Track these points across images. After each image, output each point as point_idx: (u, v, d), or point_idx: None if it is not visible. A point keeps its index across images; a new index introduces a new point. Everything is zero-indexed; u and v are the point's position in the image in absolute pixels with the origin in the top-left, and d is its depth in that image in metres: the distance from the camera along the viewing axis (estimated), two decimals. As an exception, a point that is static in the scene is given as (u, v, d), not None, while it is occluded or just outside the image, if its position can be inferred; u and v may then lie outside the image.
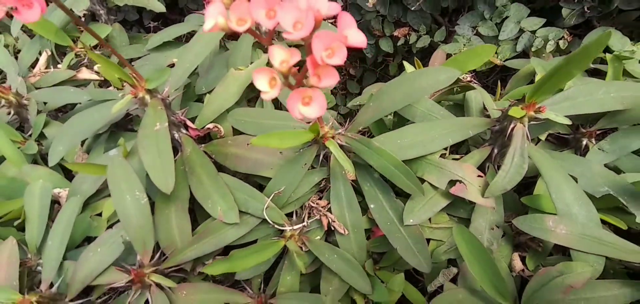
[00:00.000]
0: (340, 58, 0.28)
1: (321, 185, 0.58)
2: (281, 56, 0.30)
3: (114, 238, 0.50)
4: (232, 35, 0.71)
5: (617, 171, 0.55)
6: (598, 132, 0.59)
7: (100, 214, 0.59)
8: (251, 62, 0.74)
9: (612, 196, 0.51)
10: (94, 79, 0.83)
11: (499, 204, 0.55)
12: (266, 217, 0.51)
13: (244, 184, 0.55)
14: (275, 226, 0.52)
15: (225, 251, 0.56)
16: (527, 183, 0.59)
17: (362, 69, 1.26)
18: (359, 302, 0.51)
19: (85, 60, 0.85)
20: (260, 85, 0.30)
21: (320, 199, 0.57)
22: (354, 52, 1.11)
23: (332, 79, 0.30)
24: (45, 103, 0.74)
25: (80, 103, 0.77)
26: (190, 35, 0.92)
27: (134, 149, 0.57)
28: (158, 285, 0.49)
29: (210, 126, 0.66)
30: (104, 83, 0.84)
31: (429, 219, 0.56)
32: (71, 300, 0.49)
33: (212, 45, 0.68)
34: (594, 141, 0.59)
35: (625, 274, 0.49)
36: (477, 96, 0.65)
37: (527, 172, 0.50)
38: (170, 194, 0.54)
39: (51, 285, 0.49)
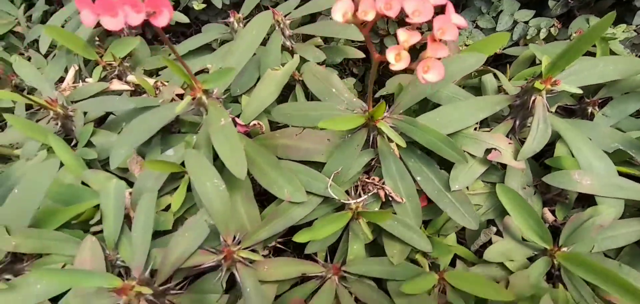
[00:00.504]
0: (451, 35, 0.35)
1: (371, 165, 0.64)
2: (404, 37, 0.36)
3: (198, 223, 0.54)
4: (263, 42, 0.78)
5: (620, 131, 0.64)
6: (600, 100, 0.69)
7: (165, 209, 0.62)
8: (283, 64, 0.79)
9: (621, 151, 0.61)
10: (126, 90, 0.86)
11: (527, 168, 0.63)
12: (330, 194, 0.57)
13: (305, 167, 0.60)
14: (340, 201, 0.57)
15: (289, 232, 0.62)
16: (542, 151, 0.67)
17: (364, 68, 1.33)
18: (421, 260, 0.57)
19: (116, 72, 0.87)
20: (390, 58, 0.37)
21: (368, 177, 0.63)
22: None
23: (444, 51, 0.36)
24: (85, 113, 0.76)
25: (114, 114, 0.80)
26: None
27: (197, 145, 0.61)
28: (243, 262, 0.53)
29: (254, 122, 0.71)
30: (134, 93, 0.87)
31: (467, 187, 0.63)
32: (160, 285, 0.52)
33: (253, 49, 0.73)
34: (597, 109, 0.69)
35: (636, 212, 0.58)
36: (492, 79, 0.74)
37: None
38: (235, 185, 0.59)
39: (143, 272, 0.52)
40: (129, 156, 0.67)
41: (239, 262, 0.53)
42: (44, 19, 1.17)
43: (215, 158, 0.58)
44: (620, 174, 0.58)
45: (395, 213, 0.59)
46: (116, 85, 0.85)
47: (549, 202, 0.64)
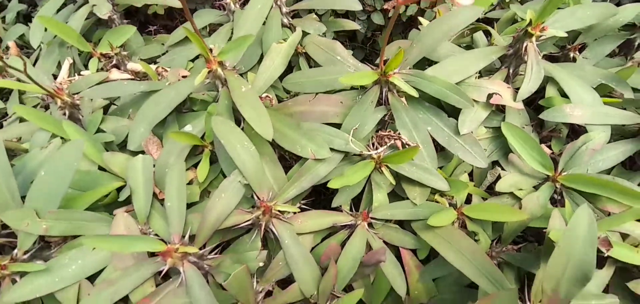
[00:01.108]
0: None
1: (384, 121, 0.68)
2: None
3: (232, 184, 0.55)
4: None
5: (601, 69, 0.72)
6: (579, 46, 0.76)
7: (190, 183, 0.63)
8: (284, 39, 0.81)
9: (604, 85, 0.68)
10: (126, 79, 0.85)
11: (523, 110, 0.69)
12: (352, 148, 0.60)
13: (324, 126, 0.63)
14: (362, 153, 0.61)
15: (313, 194, 0.65)
16: (533, 99, 0.74)
17: (352, 47, 1.37)
18: (440, 200, 0.62)
19: (114, 61, 0.86)
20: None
21: (384, 131, 0.67)
22: (343, 32, 1.23)
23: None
24: (91, 100, 0.75)
25: (115, 104, 0.80)
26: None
27: (219, 114, 0.63)
28: (279, 217, 0.55)
29: (263, 96, 0.73)
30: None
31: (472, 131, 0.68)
32: (200, 248, 0.54)
33: (261, 20, 0.74)
34: (578, 53, 0.76)
35: (622, 136, 0.66)
36: (482, 36, 0.80)
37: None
38: (260, 151, 0.61)
39: (182, 237, 0.53)
40: (146, 135, 0.67)
41: (274, 217, 0.56)
42: (18, 20, 1.13)
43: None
44: (605, 104, 0.65)
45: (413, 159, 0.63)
46: (116, 74, 0.85)
47: (544, 140, 0.71)
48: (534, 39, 0.67)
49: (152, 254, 0.55)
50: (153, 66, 0.85)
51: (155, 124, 0.65)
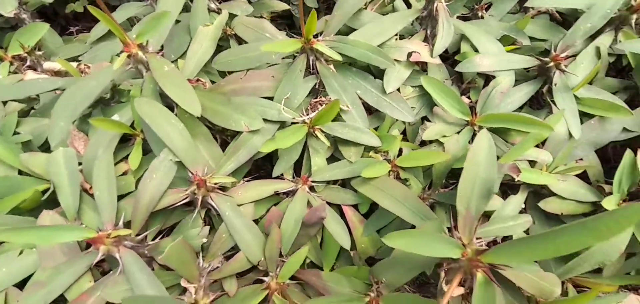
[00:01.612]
0: None
1: (316, 89, 0.70)
2: None
3: (163, 164, 0.54)
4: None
5: (503, 23, 0.80)
6: (485, 5, 0.84)
7: (124, 174, 0.61)
8: (212, 23, 0.81)
9: (506, 37, 0.76)
10: (41, 79, 0.80)
11: (443, 66, 0.75)
12: (285, 116, 0.62)
13: (256, 98, 0.64)
14: (295, 119, 0.63)
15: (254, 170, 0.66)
16: (453, 58, 0.80)
17: (291, 32, 1.39)
18: (374, 156, 0.65)
19: (28, 63, 0.80)
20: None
21: (316, 99, 0.69)
22: (281, 19, 1.24)
23: None
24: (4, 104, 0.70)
25: (35, 108, 0.75)
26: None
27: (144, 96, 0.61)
28: (217, 191, 0.55)
29: (194, 79, 0.72)
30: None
31: (399, 89, 0.73)
32: (137, 234, 0.52)
33: (180, 4, 0.73)
34: (485, 11, 0.84)
35: (525, 79, 0.74)
36: (401, 3, 0.85)
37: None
38: (194, 131, 0.61)
39: (116, 225, 0.51)
40: (67, 129, 0.64)
41: (212, 191, 0.56)
42: None
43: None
44: (507, 52, 0.73)
45: (344, 120, 0.66)
46: (31, 76, 0.79)
47: (464, 91, 0.77)
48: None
49: (88, 248, 0.53)
50: (74, 64, 0.80)
51: (76, 117, 0.61)
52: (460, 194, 0.47)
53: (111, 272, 0.52)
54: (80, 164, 0.60)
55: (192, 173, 0.54)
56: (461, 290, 0.47)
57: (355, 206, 0.66)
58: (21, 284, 0.52)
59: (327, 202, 0.64)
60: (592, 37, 0.68)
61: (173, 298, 0.49)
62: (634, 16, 0.64)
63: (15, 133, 0.66)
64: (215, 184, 0.55)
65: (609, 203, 0.57)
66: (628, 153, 0.61)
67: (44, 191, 0.60)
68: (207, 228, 0.56)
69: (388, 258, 0.53)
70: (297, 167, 0.67)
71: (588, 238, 0.33)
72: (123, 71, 0.64)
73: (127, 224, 0.53)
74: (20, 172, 0.62)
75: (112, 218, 0.52)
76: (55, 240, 0.46)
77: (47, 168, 0.56)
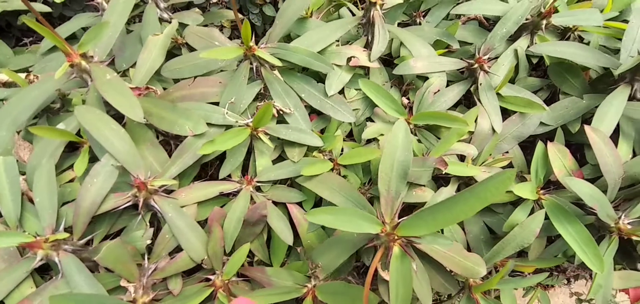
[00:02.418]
0: None
1: (262, 93, 0.73)
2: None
3: (105, 168, 0.56)
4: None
5: (437, 29, 0.86)
6: (423, 12, 0.91)
7: (71, 181, 0.62)
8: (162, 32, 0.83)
9: (439, 41, 0.82)
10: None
11: (383, 70, 0.80)
12: (228, 120, 0.65)
13: (201, 103, 0.67)
14: (238, 123, 0.66)
15: (204, 173, 0.68)
16: (391, 60, 0.86)
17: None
18: (317, 155, 0.69)
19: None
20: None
21: (260, 104, 0.73)
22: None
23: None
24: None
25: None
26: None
27: (88, 104, 0.63)
28: (160, 194, 0.57)
29: (143, 87, 0.74)
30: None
31: (343, 93, 0.77)
32: (80, 239, 0.53)
33: (127, 12, 0.75)
34: (423, 18, 0.90)
35: (458, 80, 0.80)
36: (347, 11, 0.90)
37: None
38: (139, 138, 0.63)
39: (56, 229, 0.52)
40: (8, 138, 0.64)
41: (155, 194, 0.58)
42: None
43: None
44: (439, 55, 0.79)
45: (288, 123, 0.69)
46: (-28, 89, 0.78)
47: (405, 93, 0.83)
48: (378, 7, 0.78)
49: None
50: (24, 75, 0.80)
51: (19, 126, 0.62)
52: (381, 176, 0.52)
53: (54, 278, 0.53)
54: (24, 173, 0.61)
55: (133, 177, 0.56)
56: (387, 275, 0.51)
57: (300, 204, 0.69)
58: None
59: (274, 202, 0.67)
60: (512, 40, 0.76)
61: (112, 297, 0.50)
62: (544, 21, 0.72)
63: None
64: (159, 187, 0.57)
65: (521, 190, 0.63)
66: (539, 145, 0.67)
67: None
68: (152, 230, 0.58)
69: (322, 242, 0.57)
70: (246, 170, 0.70)
71: (476, 202, 0.39)
72: (68, 80, 0.65)
73: (70, 230, 0.54)
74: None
75: (52, 224, 0.53)
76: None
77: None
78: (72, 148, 0.67)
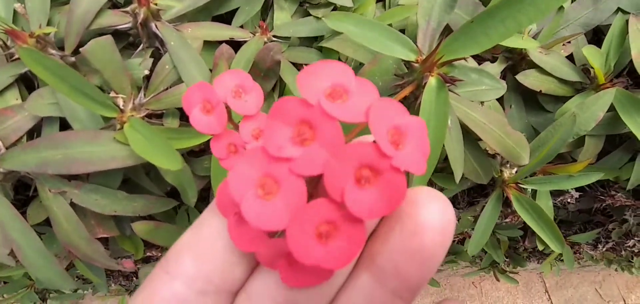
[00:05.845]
0: None
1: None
2: None
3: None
4: None
5: None
6: None
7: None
8: None
9: None
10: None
11: None
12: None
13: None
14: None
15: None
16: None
17: None
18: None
19: None
20: None
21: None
22: None
23: None
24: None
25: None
26: None
27: None
28: (163, 22, 0.51)
29: None
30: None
31: None
32: (73, 53, 0.48)
33: None
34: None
35: None
36: None
37: None
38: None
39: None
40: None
41: (158, 20, 0.51)
42: None
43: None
44: None
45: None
46: None
47: None
48: None
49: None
50: None
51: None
52: (421, 5, 0.43)
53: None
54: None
55: (134, -8, 0.49)
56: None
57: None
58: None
59: (290, 62, 0.59)
60: None
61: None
62: None
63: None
64: (160, 7, 0.50)
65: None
66: (617, 18, 0.55)
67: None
68: (151, 60, 0.52)
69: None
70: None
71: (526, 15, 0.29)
72: None
73: (61, 41, 0.49)
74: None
75: (42, 25, 0.47)
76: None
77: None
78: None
